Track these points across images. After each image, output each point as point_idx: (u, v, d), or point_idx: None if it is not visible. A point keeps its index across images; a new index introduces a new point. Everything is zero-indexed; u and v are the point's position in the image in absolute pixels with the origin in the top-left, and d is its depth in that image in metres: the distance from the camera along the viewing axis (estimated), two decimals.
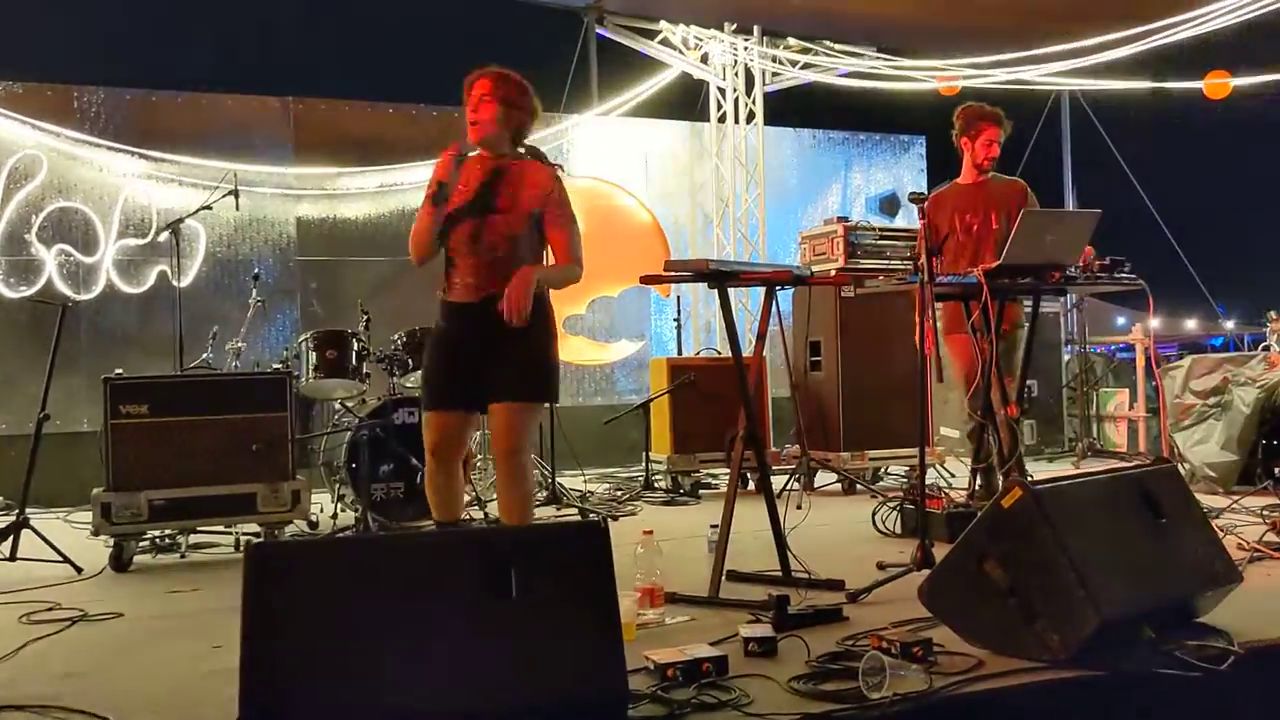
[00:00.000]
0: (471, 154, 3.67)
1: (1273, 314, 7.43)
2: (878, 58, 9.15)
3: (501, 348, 3.55)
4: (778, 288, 4.04)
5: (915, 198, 4.13)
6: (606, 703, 2.28)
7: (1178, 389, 6.54)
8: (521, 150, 3.75)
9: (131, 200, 7.57)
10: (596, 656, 2.28)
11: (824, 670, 2.78)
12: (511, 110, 3.63)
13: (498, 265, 3.58)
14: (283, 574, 2.24)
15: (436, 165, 3.58)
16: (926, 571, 3.58)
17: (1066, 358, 8.90)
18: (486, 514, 5.82)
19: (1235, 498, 5.38)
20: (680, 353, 7.96)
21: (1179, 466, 5.74)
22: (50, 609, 3.94)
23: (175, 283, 6.14)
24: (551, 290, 3.70)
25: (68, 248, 7.40)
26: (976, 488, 5.11)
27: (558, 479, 6.50)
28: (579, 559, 2.31)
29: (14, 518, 4.85)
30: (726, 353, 8.03)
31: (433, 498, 3.74)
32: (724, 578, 3.81)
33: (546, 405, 4.42)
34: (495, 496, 6.19)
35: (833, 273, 6.53)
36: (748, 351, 4.82)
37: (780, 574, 3.93)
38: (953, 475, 6.62)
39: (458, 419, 3.67)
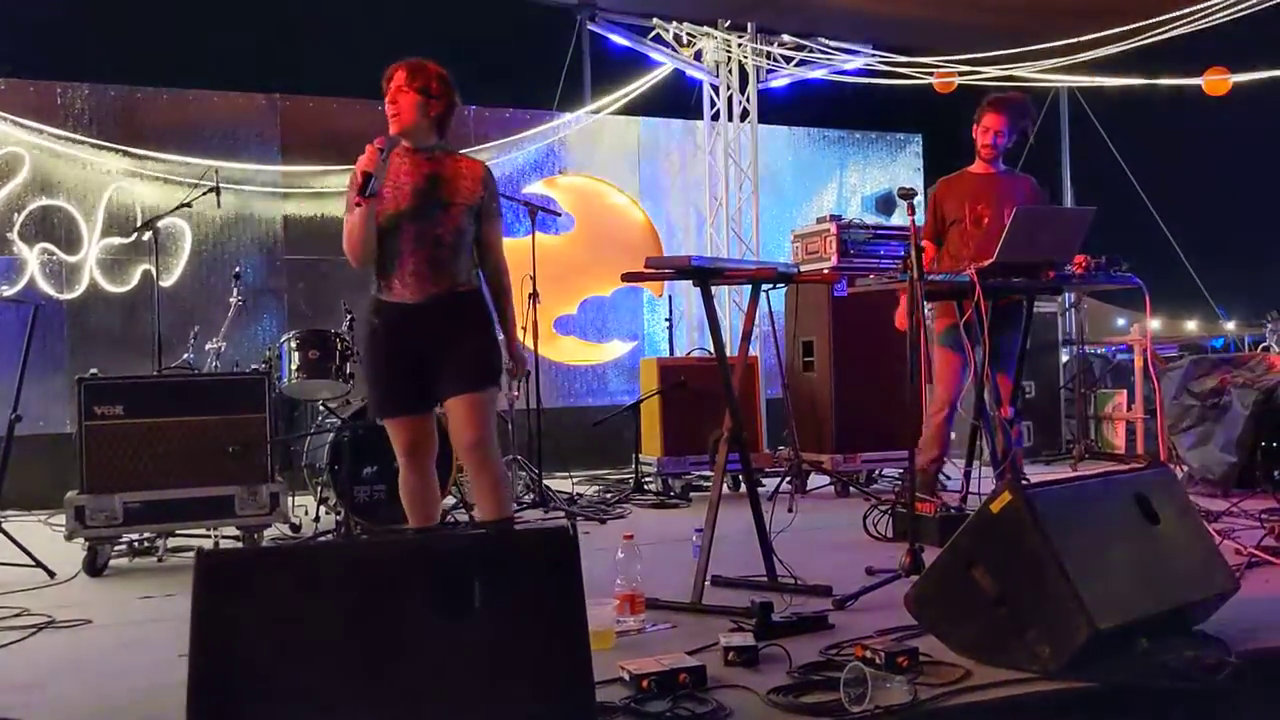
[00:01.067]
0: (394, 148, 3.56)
1: (1275, 313, 7.34)
2: (873, 55, 9.06)
3: (448, 344, 3.51)
4: (765, 286, 3.95)
5: (905, 192, 4.02)
6: (574, 717, 2.17)
7: (1176, 390, 6.43)
8: (444, 143, 3.69)
9: (116, 198, 7.47)
10: (563, 670, 2.17)
11: (805, 681, 2.68)
12: (430, 100, 3.56)
13: (442, 264, 3.54)
14: (234, 584, 2.14)
15: (360, 160, 3.45)
16: (916, 577, 3.49)
17: (1065, 359, 8.80)
18: (473, 517, 5.71)
19: (1234, 501, 5.28)
20: (672, 353, 7.86)
21: (1177, 469, 5.67)
22: (17, 614, 3.84)
23: (156, 282, 6.05)
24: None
25: (51, 246, 7.30)
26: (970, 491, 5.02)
27: (545, 481, 6.39)
28: (545, 567, 2.21)
29: None
30: None
31: (410, 503, 3.70)
32: (708, 583, 3.72)
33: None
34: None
35: (825, 271, 6.44)
36: (733, 351, 4.72)
37: (766, 579, 3.84)
38: (947, 478, 6.51)
39: (424, 420, 3.65)
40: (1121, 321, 10.00)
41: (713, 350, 3.73)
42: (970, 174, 5.24)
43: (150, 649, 3.44)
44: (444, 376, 3.51)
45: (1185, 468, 6.09)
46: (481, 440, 3.52)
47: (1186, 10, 7.41)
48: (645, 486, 6.84)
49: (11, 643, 3.49)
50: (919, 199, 4.27)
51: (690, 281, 3.77)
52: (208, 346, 5.91)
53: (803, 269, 6.34)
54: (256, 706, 2.05)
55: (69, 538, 4.71)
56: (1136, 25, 7.67)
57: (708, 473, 6.91)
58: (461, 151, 3.71)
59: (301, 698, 2.05)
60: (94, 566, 4.69)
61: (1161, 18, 7.50)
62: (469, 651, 2.12)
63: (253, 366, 5.47)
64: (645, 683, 2.63)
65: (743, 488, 6.18)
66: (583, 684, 2.17)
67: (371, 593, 2.13)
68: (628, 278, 3.82)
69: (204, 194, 6.03)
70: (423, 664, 2.12)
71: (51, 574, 4.59)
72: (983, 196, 5.09)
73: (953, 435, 5.21)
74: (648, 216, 9.08)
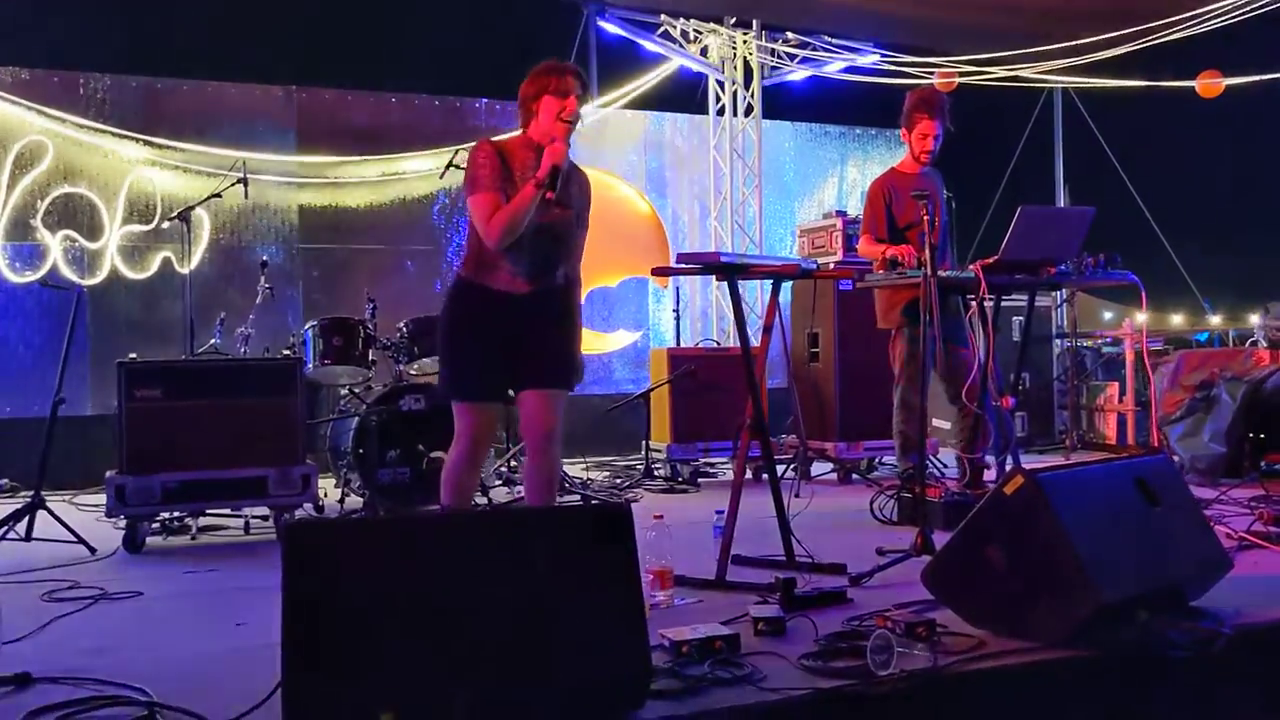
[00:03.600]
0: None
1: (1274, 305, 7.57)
2: (875, 53, 9.25)
3: (541, 335, 3.65)
4: (784, 281, 4.15)
5: (918, 196, 4.23)
6: (630, 678, 2.38)
7: (1166, 383, 6.67)
8: None
9: (136, 186, 7.63)
10: (621, 634, 2.38)
11: (833, 648, 2.89)
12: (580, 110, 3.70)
13: (552, 260, 3.68)
14: (319, 551, 2.34)
15: (553, 150, 3.54)
16: (926, 557, 3.72)
17: (1057, 351, 9.03)
18: (490, 500, 5.91)
19: (1223, 489, 5.50)
20: (679, 343, 8.06)
21: None
22: (71, 587, 4.03)
23: (182, 269, 6.22)
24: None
25: (73, 233, 7.46)
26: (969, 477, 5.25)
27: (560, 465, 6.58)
28: (605, 540, 2.41)
29: (29, 499, 4.94)
30: (724, 343, 8.21)
31: (455, 484, 3.73)
32: (730, 562, 3.92)
33: None
34: (497, 483, 6.37)
35: (831, 266, 6.64)
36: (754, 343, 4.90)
37: (784, 559, 4.05)
38: (945, 466, 6.74)
39: (497, 410, 3.79)
40: (1109, 315, 10.24)
41: (720, 341, 3.92)
42: (907, 175, 5.37)
43: (205, 618, 3.64)
44: (532, 367, 3.64)
45: (1176, 458, 6.32)
46: (554, 436, 3.67)
47: (1186, 15, 7.63)
48: (655, 472, 7.04)
49: (72, 612, 3.67)
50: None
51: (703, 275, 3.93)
52: (236, 332, 6.09)
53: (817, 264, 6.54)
54: (344, 664, 2.25)
55: (110, 515, 4.89)
56: (1137, 29, 7.88)
57: (715, 460, 7.14)
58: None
59: (385, 657, 2.25)
60: (133, 543, 4.87)
61: (1161, 21, 7.70)
62: (537, 615, 2.33)
63: (283, 352, 5.65)
64: (685, 648, 2.83)
65: (750, 474, 6.43)
66: (639, 646, 2.38)
67: (448, 560, 2.33)
68: (658, 271, 4.01)
69: (233, 184, 6.20)
70: (496, 626, 2.32)
71: (93, 550, 4.76)
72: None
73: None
74: (653, 209, 9.27)
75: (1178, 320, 9.90)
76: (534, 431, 3.69)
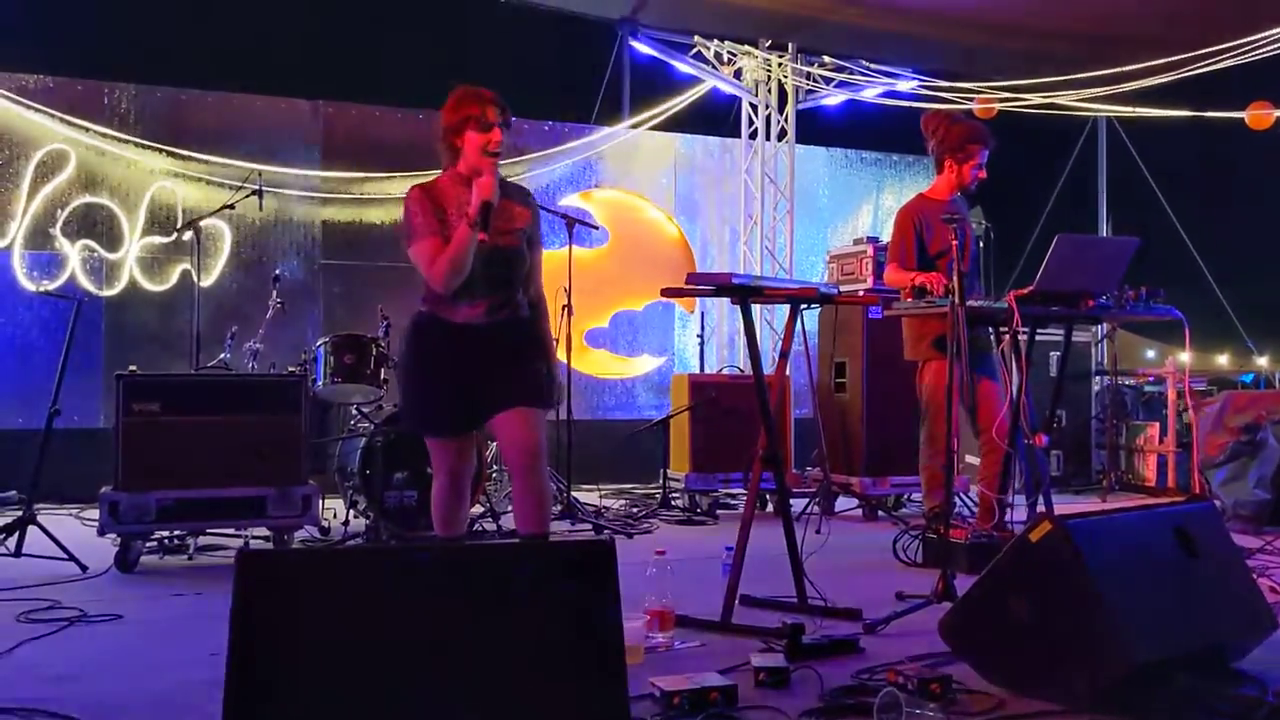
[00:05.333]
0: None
1: None
2: (914, 79, 9.04)
3: (508, 361, 3.51)
4: (803, 306, 3.95)
5: (948, 219, 4.01)
6: None
7: (1210, 425, 6.38)
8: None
9: (157, 198, 7.56)
10: (599, 682, 2.17)
11: (837, 705, 2.68)
12: (506, 134, 3.57)
13: (509, 288, 3.56)
14: (273, 585, 2.15)
15: (480, 185, 3.40)
16: (947, 604, 3.47)
17: (1096, 388, 8.74)
18: (500, 526, 5.73)
19: (1268, 539, 5.22)
20: (703, 369, 7.86)
21: None
22: (49, 607, 3.88)
23: (196, 281, 6.10)
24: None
25: (92, 243, 7.39)
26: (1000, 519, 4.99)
27: (572, 493, 6.40)
28: (584, 579, 2.21)
29: (19, 513, 4.81)
30: (749, 370, 7.99)
31: (443, 516, 3.66)
32: (737, 602, 3.71)
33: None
34: (508, 509, 6.18)
35: (861, 293, 6.42)
36: (770, 370, 4.69)
37: (795, 600, 3.82)
38: (975, 504, 6.47)
39: (470, 440, 3.66)
40: (1151, 353, 9.93)
41: (744, 368, 3.72)
42: (939, 201, 5.15)
43: (181, 645, 3.47)
44: (501, 391, 3.49)
45: (1218, 503, 6.03)
46: (537, 456, 3.50)
47: (1231, 44, 7.37)
48: (672, 502, 6.83)
49: (45, 635, 3.52)
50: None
51: (727, 299, 3.75)
52: (245, 347, 5.96)
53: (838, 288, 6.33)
54: (291, 706, 2.06)
55: (102, 533, 4.75)
56: (1182, 57, 7.63)
57: (735, 490, 6.90)
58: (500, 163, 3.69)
59: (335, 700, 2.06)
60: (125, 562, 4.72)
61: (1205, 50, 7.45)
62: (506, 659, 2.13)
63: (289, 368, 5.50)
64: (676, 699, 2.63)
65: (770, 506, 6.21)
66: (618, 697, 2.17)
67: (410, 598, 2.14)
68: (668, 293, 3.81)
69: (247, 196, 6.09)
70: (460, 671, 2.13)
71: (84, 568, 4.62)
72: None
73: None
74: (682, 232, 9.10)
75: (1222, 360, 9.59)
76: (514, 453, 3.51)
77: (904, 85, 9.04)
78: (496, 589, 2.15)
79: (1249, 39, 7.35)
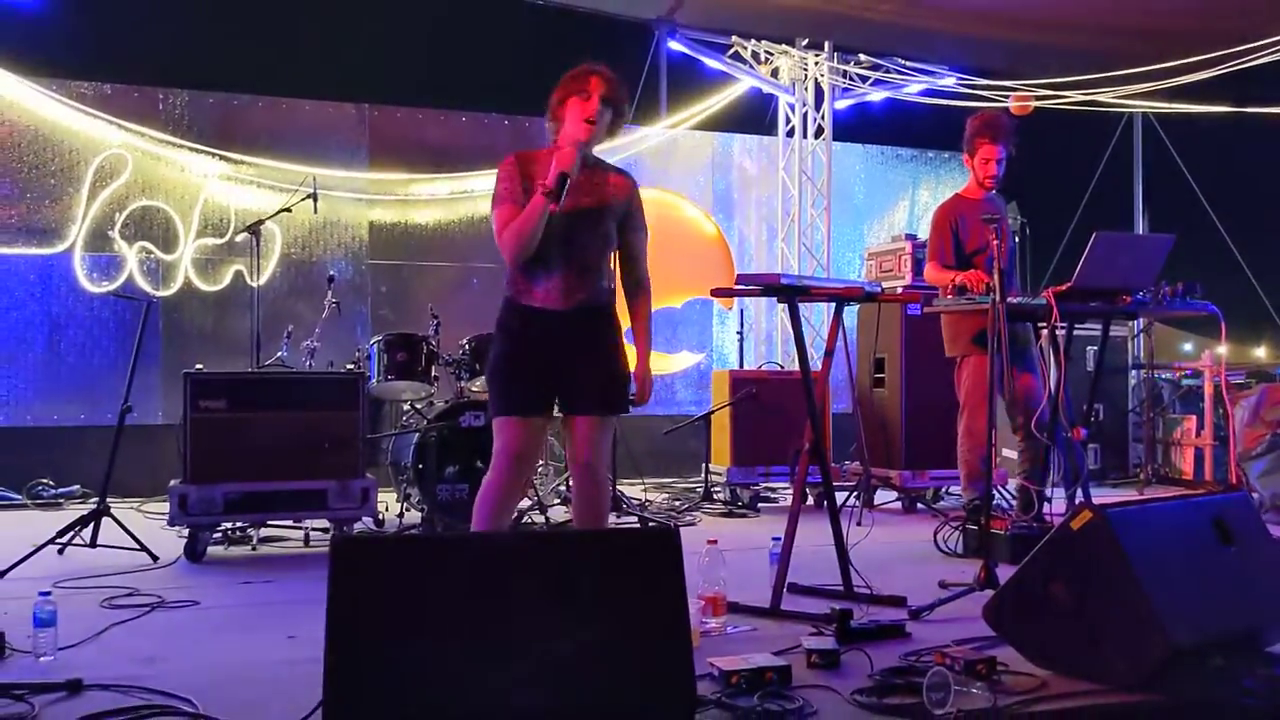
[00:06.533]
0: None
1: None
2: (950, 75, 9.12)
3: (585, 359, 3.47)
4: (847, 304, 4.08)
5: (987, 219, 4.12)
6: (675, 707, 2.32)
7: (1248, 417, 6.44)
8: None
9: (211, 200, 7.77)
10: (667, 660, 2.32)
11: (887, 684, 2.81)
12: (616, 118, 3.52)
13: (589, 272, 3.49)
14: (366, 568, 2.32)
15: (561, 155, 3.34)
16: (988, 591, 3.60)
17: (1133, 382, 8.79)
18: (548, 519, 5.89)
19: None
20: (742, 365, 7.98)
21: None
22: (129, 594, 4.08)
23: (252, 282, 6.30)
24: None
25: (149, 245, 7.61)
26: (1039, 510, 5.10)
27: (618, 486, 6.55)
28: (652, 564, 2.36)
29: (95, 506, 5.02)
30: (788, 366, 8.11)
31: (489, 513, 3.44)
32: (785, 590, 3.84)
33: None
34: (555, 502, 6.35)
35: (900, 290, 6.53)
36: (815, 367, 4.83)
37: (841, 588, 3.96)
38: (1014, 497, 6.56)
39: (541, 425, 3.54)
40: (1188, 346, 9.94)
41: (783, 364, 3.85)
42: (973, 200, 5.25)
43: (258, 630, 3.65)
44: (572, 391, 3.48)
45: (1255, 495, 6.10)
46: (596, 464, 3.51)
47: (1273, 39, 7.39)
48: (714, 495, 6.97)
49: (129, 620, 3.71)
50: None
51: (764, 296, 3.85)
52: (302, 345, 6.14)
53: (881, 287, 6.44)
54: (385, 679, 2.22)
55: (172, 524, 4.96)
56: (1222, 53, 7.66)
57: (775, 484, 7.04)
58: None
59: (425, 675, 2.22)
60: (194, 552, 4.92)
61: (1247, 45, 7.48)
62: (580, 641, 2.28)
63: (346, 366, 5.69)
64: (735, 678, 2.77)
65: (811, 500, 6.34)
66: (685, 675, 2.32)
67: (491, 582, 2.30)
68: (717, 292, 3.96)
69: (303, 199, 6.27)
70: (536, 652, 2.28)
71: (155, 558, 4.82)
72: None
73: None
74: (720, 231, 9.22)
75: (1260, 354, 9.59)
76: (577, 459, 3.52)
77: (943, 82, 9.11)
78: (573, 573, 2.30)
79: None
